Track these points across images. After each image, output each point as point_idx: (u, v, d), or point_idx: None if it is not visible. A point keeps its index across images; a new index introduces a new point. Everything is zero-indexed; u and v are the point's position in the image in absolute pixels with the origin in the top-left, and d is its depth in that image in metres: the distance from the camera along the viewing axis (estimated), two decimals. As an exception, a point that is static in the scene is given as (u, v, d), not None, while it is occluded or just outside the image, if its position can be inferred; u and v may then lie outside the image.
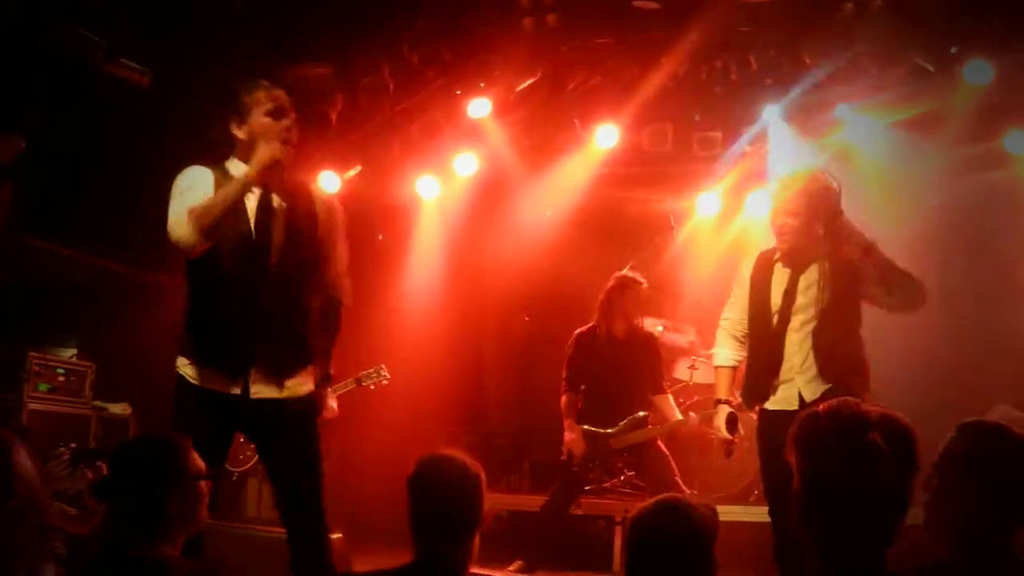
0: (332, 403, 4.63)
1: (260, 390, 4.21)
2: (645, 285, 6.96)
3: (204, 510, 3.11)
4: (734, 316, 5.20)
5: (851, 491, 2.25)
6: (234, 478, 7.45)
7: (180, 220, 4.09)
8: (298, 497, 4.25)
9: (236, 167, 4.29)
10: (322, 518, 4.24)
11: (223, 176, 4.26)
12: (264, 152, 4.17)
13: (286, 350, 4.28)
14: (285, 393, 4.25)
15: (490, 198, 9.18)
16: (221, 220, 4.10)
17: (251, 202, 4.26)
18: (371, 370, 7.14)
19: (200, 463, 3.10)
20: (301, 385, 4.32)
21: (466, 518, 3.10)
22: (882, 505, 2.27)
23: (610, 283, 6.97)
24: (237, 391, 4.20)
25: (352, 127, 8.33)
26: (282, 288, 4.27)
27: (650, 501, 2.80)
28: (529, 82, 8.09)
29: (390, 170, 8.70)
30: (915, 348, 8.27)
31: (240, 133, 4.32)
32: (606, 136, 8.46)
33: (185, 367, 4.25)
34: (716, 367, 5.31)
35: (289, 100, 4.35)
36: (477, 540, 3.16)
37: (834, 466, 2.28)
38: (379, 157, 8.55)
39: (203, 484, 3.09)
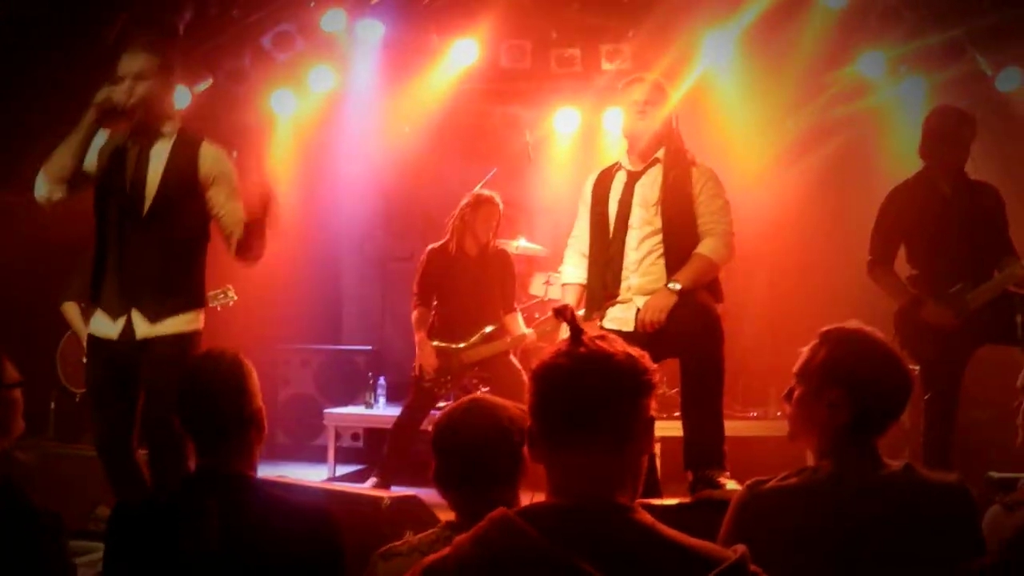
0: None
1: (138, 331, 4.49)
2: (500, 203, 6.94)
3: (19, 418, 3.04)
4: (580, 233, 5.21)
5: None
6: (77, 399, 7.24)
7: (38, 179, 4.44)
8: (158, 425, 4.39)
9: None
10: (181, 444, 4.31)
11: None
12: (98, 95, 4.35)
13: (162, 294, 4.52)
14: (159, 331, 4.51)
15: (347, 113, 9.02)
16: (69, 166, 4.39)
17: (131, 155, 4.52)
18: (218, 291, 6.98)
19: (13, 372, 3.00)
20: (176, 325, 4.54)
21: (233, 420, 2.97)
22: None
23: (464, 200, 6.94)
24: (114, 335, 4.51)
25: (202, 39, 8.08)
26: (157, 236, 4.50)
27: (456, 403, 2.79)
28: (385, -6, 7.94)
29: (243, 84, 8.45)
30: (777, 275, 8.50)
31: None
32: (464, 52, 8.37)
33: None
34: (563, 284, 5.33)
35: (154, 63, 4.51)
36: (258, 443, 3.05)
37: None
38: (231, 70, 8.30)
39: (16, 392, 3.00)
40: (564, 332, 2.00)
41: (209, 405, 2.94)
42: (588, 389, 1.91)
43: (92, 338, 4.64)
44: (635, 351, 1.97)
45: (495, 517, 1.84)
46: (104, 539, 2.92)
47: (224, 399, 2.95)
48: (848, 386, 2.64)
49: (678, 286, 4.71)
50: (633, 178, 4.99)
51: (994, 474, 4.86)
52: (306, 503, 2.98)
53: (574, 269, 5.22)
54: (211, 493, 2.84)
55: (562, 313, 2.06)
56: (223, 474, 2.91)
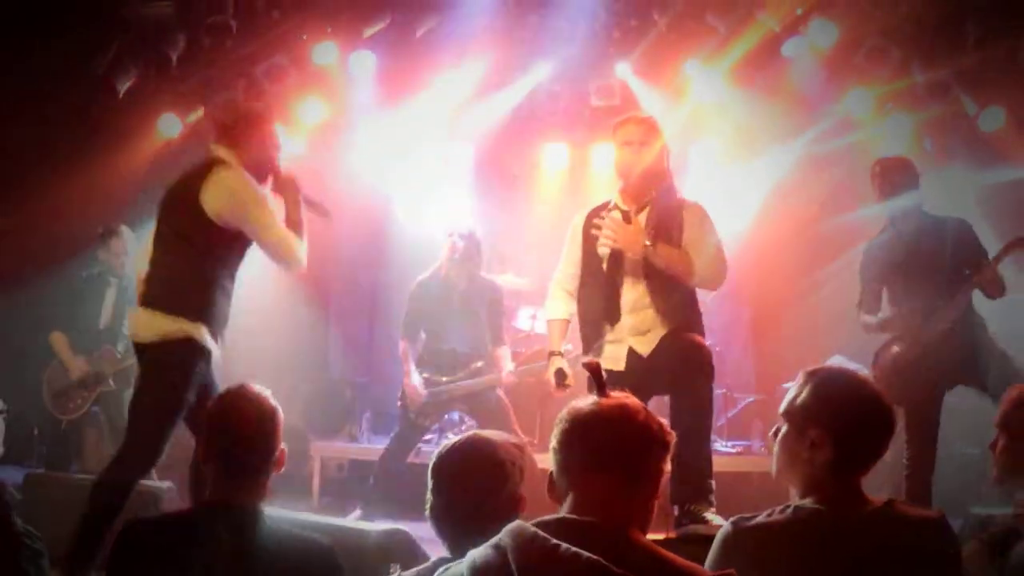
0: None
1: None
2: (485, 237, 6.95)
3: None
4: (566, 270, 5.21)
5: None
6: (63, 426, 7.23)
7: (301, 251, 4.68)
8: None
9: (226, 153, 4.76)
10: None
11: None
12: (297, 198, 4.82)
13: None
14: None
15: (337, 145, 9.05)
16: None
17: None
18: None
19: None
20: None
21: (262, 458, 3.04)
22: None
23: (452, 233, 6.93)
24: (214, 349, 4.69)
25: (194, 69, 8.13)
26: None
27: (455, 440, 2.80)
28: (377, 27, 7.99)
29: (234, 115, 8.47)
30: (760, 310, 8.53)
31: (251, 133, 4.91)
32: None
33: (202, 333, 4.58)
34: (548, 320, 5.33)
35: None
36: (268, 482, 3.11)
37: None
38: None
39: None
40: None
41: (246, 444, 3.02)
42: (611, 434, 2.19)
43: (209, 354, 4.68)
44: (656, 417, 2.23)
45: (511, 527, 2.06)
46: (109, 553, 2.94)
47: (260, 441, 3.04)
48: (829, 426, 2.66)
49: (650, 244, 4.77)
50: (626, 218, 4.98)
51: (979, 510, 4.88)
52: (312, 538, 3.02)
53: (560, 304, 5.21)
54: (224, 522, 2.89)
55: (590, 368, 2.30)
56: (237, 506, 2.96)
